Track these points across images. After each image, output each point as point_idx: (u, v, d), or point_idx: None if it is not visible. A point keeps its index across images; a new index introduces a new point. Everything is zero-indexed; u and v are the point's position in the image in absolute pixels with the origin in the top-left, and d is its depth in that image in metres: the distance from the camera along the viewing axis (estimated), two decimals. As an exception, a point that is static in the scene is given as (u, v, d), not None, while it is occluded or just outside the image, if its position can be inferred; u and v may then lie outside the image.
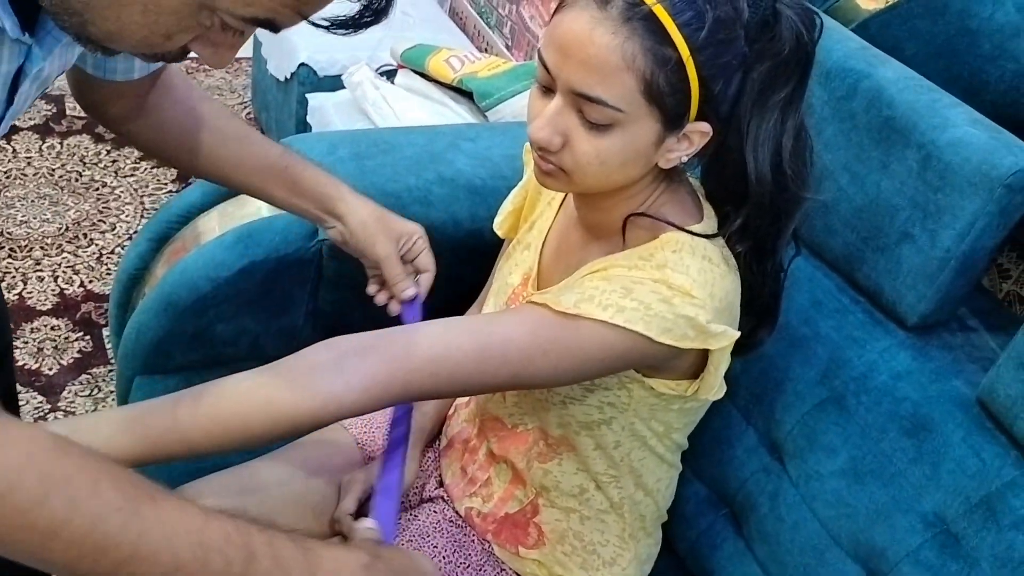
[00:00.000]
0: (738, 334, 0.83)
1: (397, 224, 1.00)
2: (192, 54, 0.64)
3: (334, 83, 2.06)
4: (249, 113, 2.55)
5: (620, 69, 0.73)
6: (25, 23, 0.62)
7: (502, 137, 1.37)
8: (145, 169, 2.25)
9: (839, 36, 1.02)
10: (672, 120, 0.77)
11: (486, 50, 2.36)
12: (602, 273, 0.82)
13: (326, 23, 0.61)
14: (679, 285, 0.78)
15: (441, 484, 1.05)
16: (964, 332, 0.99)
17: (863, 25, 1.06)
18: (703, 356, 0.84)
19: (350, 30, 0.62)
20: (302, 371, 0.77)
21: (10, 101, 0.70)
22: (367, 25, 0.61)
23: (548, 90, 0.79)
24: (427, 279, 1.01)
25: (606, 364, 0.81)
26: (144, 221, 2.10)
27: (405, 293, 0.98)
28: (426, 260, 1.01)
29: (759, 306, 0.89)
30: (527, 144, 1.05)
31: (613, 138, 0.77)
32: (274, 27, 0.60)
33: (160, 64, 0.88)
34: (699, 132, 0.79)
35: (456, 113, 1.85)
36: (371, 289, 1.03)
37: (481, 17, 2.42)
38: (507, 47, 2.29)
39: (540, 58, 0.78)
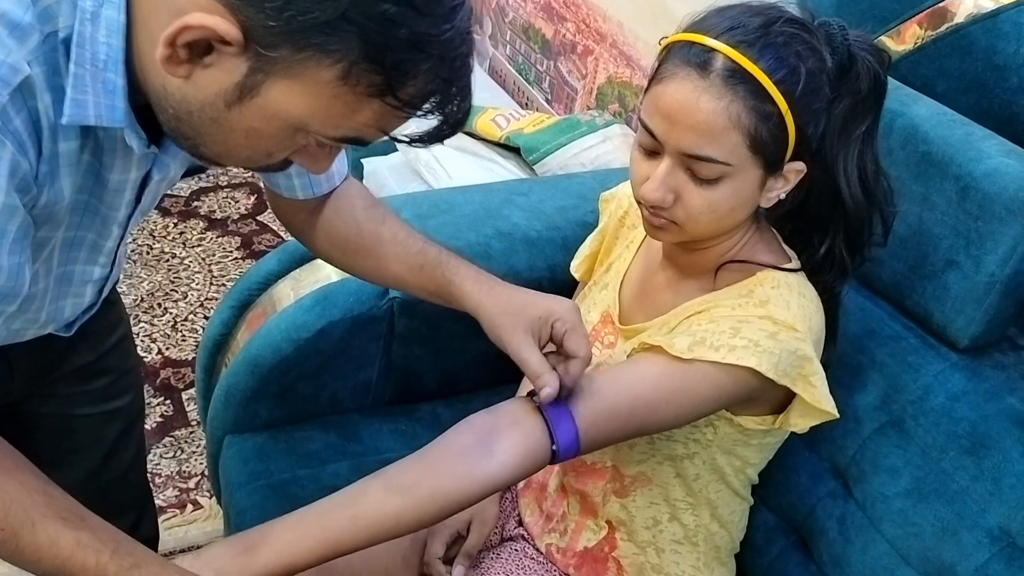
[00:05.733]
0: (834, 411, 0.88)
1: (529, 309, 0.85)
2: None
3: (387, 146, 2.15)
4: (304, 179, 2.66)
5: (727, 129, 0.80)
6: (152, 135, 0.71)
7: (553, 190, 1.45)
8: (211, 239, 2.37)
9: (871, 78, 1.08)
10: (772, 164, 0.84)
11: (527, 105, 2.46)
12: (707, 314, 0.88)
13: (407, 139, 0.68)
14: (783, 320, 0.84)
15: (520, 523, 1.11)
16: (1015, 351, 1.03)
17: (894, 66, 1.11)
18: (788, 392, 0.89)
19: (426, 144, 0.68)
20: (456, 459, 0.81)
21: (138, 200, 0.79)
22: (444, 138, 0.68)
23: (653, 153, 0.85)
24: (576, 366, 0.82)
25: (720, 402, 0.87)
26: (213, 288, 2.21)
27: (543, 392, 0.80)
28: (574, 343, 0.83)
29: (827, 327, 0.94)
30: (604, 194, 1.12)
31: (722, 189, 0.83)
32: (363, 143, 0.67)
33: (329, 188, 0.95)
34: (795, 171, 0.86)
35: (505, 169, 1.93)
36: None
37: (520, 74, 2.52)
38: (547, 101, 2.38)
39: (644, 125, 0.85)
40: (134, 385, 1.15)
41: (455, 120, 0.66)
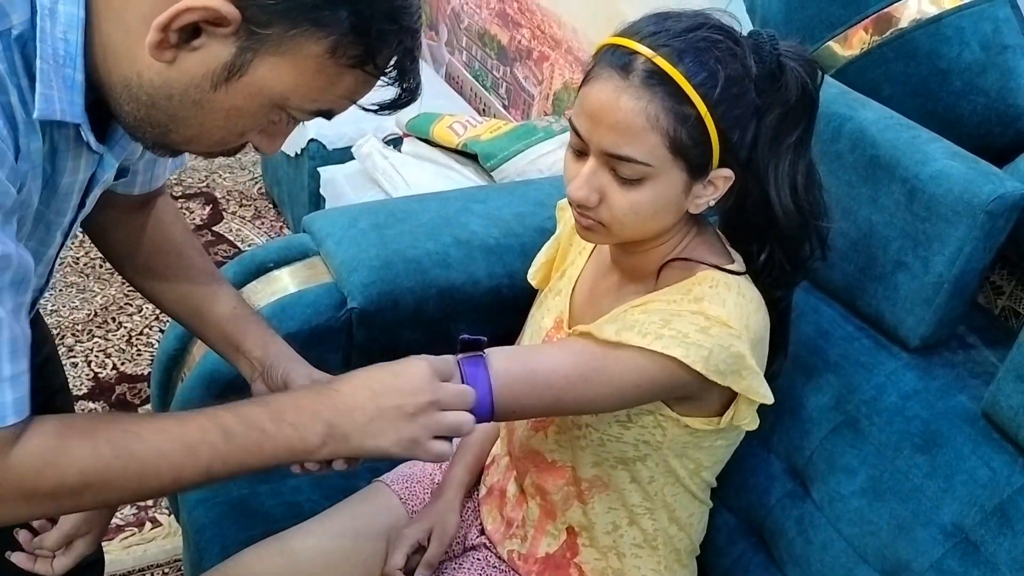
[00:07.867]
0: (769, 397, 0.89)
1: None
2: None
3: (343, 155, 2.14)
4: (261, 188, 2.64)
5: (645, 129, 0.82)
6: (98, 134, 0.70)
7: (510, 197, 1.45)
8: (166, 250, 2.33)
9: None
10: (696, 169, 0.85)
11: (484, 111, 2.46)
12: (642, 307, 0.88)
13: (374, 107, 0.71)
14: (716, 316, 0.85)
15: (482, 532, 1.10)
16: (965, 349, 1.05)
17: (841, 71, 1.13)
18: (731, 392, 0.90)
19: (391, 111, 0.72)
20: None
21: (82, 205, 0.78)
22: (405, 105, 0.72)
23: (581, 153, 0.87)
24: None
25: (643, 390, 0.87)
26: (168, 301, 2.17)
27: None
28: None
29: (776, 336, 0.95)
30: (560, 201, 1.13)
31: (645, 191, 0.85)
32: (330, 115, 0.70)
33: (159, 185, 0.95)
34: (722, 177, 0.87)
35: (462, 175, 1.93)
36: None
37: (477, 80, 2.52)
38: (504, 107, 2.38)
39: (572, 126, 0.86)
40: (65, 407, 1.12)
41: (411, 88, 0.70)
